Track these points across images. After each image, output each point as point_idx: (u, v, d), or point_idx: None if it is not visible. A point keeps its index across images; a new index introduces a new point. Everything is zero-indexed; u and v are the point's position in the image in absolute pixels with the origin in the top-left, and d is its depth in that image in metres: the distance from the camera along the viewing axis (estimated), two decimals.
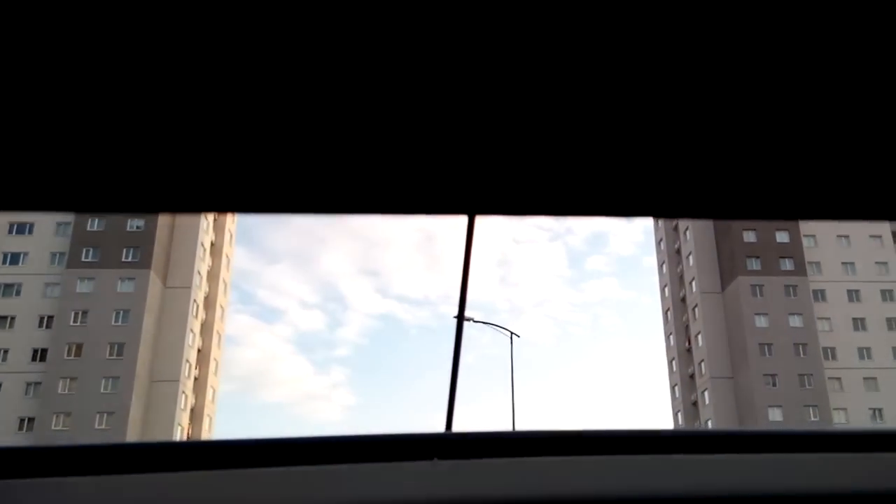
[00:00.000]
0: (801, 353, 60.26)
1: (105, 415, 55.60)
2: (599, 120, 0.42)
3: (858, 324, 61.90)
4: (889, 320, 62.01)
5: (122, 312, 57.99)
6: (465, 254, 1.25)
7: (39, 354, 56.95)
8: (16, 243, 59.48)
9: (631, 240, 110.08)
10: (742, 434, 0.95)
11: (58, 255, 59.53)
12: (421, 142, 0.46)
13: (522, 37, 0.42)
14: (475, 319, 35.76)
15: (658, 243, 71.88)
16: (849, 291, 62.59)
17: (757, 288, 61.68)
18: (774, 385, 59.38)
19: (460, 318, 1.59)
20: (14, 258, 59.18)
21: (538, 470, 0.87)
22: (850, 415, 59.47)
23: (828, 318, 61.79)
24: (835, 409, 59.40)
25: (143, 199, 0.45)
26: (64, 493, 0.79)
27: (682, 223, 67.81)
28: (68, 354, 56.86)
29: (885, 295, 62.70)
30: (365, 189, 0.48)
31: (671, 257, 69.64)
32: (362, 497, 0.83)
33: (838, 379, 60.45)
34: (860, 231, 64.32)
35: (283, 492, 0.83)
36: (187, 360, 60.21)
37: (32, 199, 0.42)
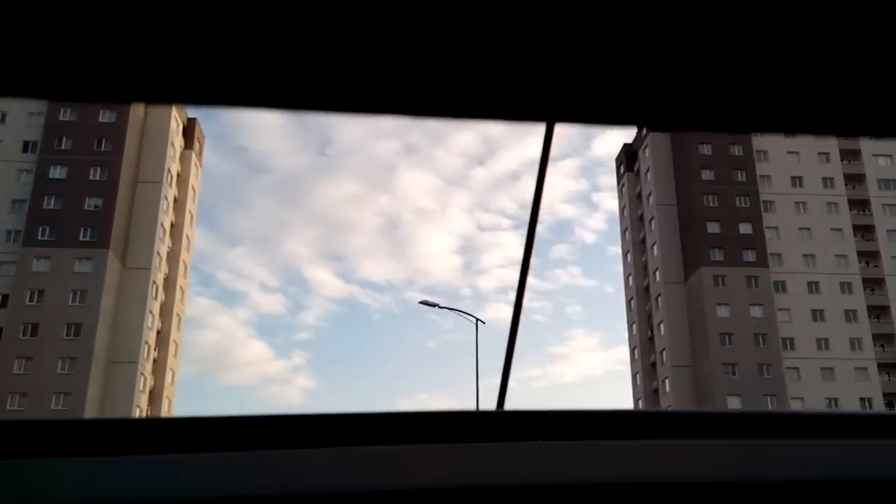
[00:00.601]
0: (761, 343, 60.95)
1: (62, 395, 54.74)
2: (670, 27, 0.41)
3: (817, 315, 62.69)
4: (847, 312, 62.87)
5: (79, 293, 56.97)
6: (540, 167, 1.06)
7: None
8: None
9: (595, 229, 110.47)
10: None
11: (13, 233, 58.24)
12: (500, 44, 0.43)
13: None
14: (440, 305, 35.48)
15: (623, 232, 72.06)
16: (809, 283, 63.30)
17: (719, 278, 62.14)
18: (734, 374, 60.03)
19: (528, 247, 1.25)
20: None
21: (648, 452, 0.81)
22: (806, 404, 60.38)
23: (787, 310, 62.49)
24: (792, 398, 60.26)
25: (123, 87, 0.40)
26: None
27: (647, 213, 67.98)
28: (24, 334, 55.80)
29: (844, 287, 63.52)
30: (441, 91, 0.45)
31: (636, 247, 69.89)
32: (469, 480, 0.74)
33: (796, 369, 61.27)
34: (821, 224, 65.00)
35: (397, 472, 0.75)
36: (146, 342, 59.40)
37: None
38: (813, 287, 63.20)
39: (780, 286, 62.98)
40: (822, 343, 62.05)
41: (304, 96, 0.41)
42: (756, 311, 61.61)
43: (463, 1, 0.42)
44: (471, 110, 0.47)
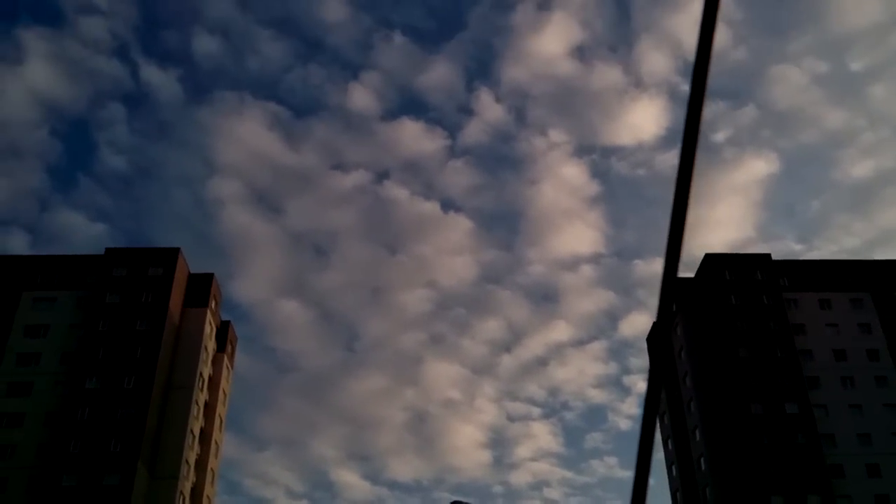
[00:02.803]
0: None
1: None
2: None
3: (882, 501, 57.69)
4: None
5: None
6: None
7: None
8: (4, 435, 58.73)
9: (629, 414, 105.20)
10: None
11: (43, 447, 58.42)
12: None
13: None
14: None
15: (661, 417, 69.00)
16: (867, 466, 58.85)
17: (770, 463, 58.18)
18: None
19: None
20: (2, 452, 58.24)
21: None
22: None
23: (848, 496, 57.71)
24: None
25: None
26: None
27: (684, 395, 65.41)
28: None
29: None
30: None
31: (677, 432, 66.54)
32: None
33: None
34: (873, 400, 61.46)
35: None
36: None
37: None
38: (873, 470, 58.67)
39: (837, 470, 58.63)
40: None
41: None
42: (814, 501, 56.98)
43: None
44: None
